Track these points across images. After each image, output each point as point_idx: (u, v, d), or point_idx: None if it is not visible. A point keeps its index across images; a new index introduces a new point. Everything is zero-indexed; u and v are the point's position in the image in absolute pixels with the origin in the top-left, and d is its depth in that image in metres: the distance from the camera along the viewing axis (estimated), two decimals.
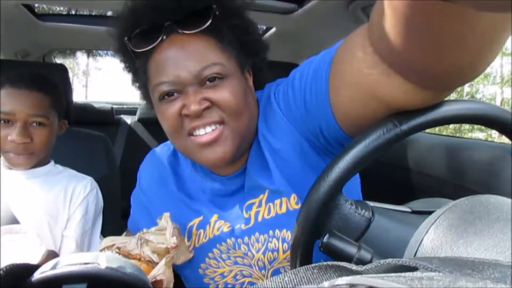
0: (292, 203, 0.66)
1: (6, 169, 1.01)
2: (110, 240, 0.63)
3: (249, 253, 0.69)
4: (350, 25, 1.46)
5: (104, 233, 1.10)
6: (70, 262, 0.20)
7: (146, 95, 0.72)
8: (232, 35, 0.67)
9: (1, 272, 0.21)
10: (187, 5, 0.63)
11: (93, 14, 2.02)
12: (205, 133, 0.63)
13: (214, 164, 0.65)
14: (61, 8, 2.08)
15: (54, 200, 1.00)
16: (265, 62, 0.75)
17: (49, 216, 0.98)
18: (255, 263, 0.69)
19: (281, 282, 0.25)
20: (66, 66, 1.53)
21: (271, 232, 0.67)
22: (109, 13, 1.89)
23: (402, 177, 1.42)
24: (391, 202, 0.54)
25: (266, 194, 0.68)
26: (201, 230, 0.73)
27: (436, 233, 0.38)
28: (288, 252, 0.66)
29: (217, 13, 0.63)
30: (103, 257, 0.21)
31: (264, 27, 1.98)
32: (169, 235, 0.63)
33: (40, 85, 0.98)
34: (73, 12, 2.06)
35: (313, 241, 0.50)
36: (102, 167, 1.32)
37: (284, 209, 0.66)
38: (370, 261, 0.44)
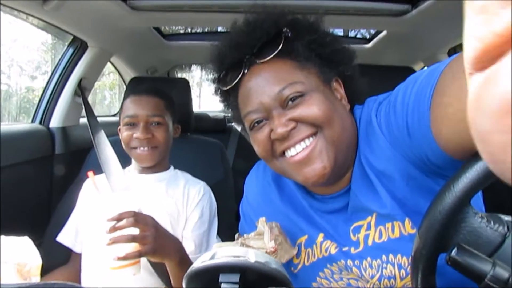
0: (408, 227, 0.62)
1: (137, 173, 1.17)
2: (217, 246, 0.65)
3: (362, 277, 0.67)
4: None
5: (220, 233, 1.19)
6: (225, 254, 0.23)
7: (245, 128, 0.75)
8: (308, 51, 0.67)
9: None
10: (259, 36, 0.66)
11: (206, 31, 2.22)
12: (296, 152, 0.63)
13: (316, 182, 0.63)
14: (181, 28, 2.32)
15: (175, 202, 1.13)
16: (356, 69, 0.73)
17: (171, 217, 1.10)
18: (371, 287, 0.67)
19: None
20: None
21: (384, 257, 0.65)
22: (220, 29, 2.05)
23: None
24: None
25: (374, 216, 0.66)
26: (309, 249, 0.73)
27: None
28: (407, 279, 0.63)
29: (289, 35, 0.65)
30: (251, 252, 0.23)
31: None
32: (267, 239, 0.63)
33: (156, 91, 1.17)
34: (189, 30, 2.28)
35: (437, 255, 0.47)
36: (218, 172, 1.42)
37: (397, 234, 0.63)
38: (508, 280, 0.40)
